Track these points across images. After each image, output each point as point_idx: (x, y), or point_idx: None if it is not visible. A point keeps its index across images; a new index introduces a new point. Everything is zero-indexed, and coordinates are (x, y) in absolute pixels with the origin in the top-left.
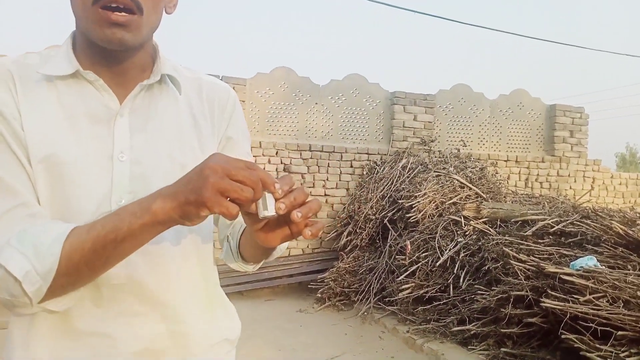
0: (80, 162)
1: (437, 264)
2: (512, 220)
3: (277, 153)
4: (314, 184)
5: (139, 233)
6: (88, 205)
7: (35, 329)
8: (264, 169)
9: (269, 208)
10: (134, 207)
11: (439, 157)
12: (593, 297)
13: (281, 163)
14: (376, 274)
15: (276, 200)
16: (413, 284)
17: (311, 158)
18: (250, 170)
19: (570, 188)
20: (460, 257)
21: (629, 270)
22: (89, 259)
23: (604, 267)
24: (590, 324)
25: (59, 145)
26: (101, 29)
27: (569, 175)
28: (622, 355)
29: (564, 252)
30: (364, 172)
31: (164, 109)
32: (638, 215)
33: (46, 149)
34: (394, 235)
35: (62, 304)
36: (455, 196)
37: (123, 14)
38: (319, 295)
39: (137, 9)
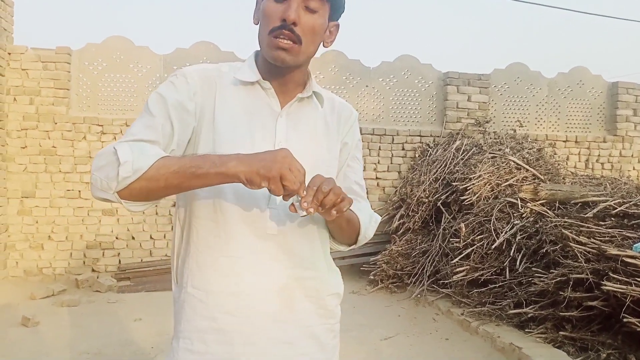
0: (252, 143)
1: (493, 246)
2: (572, 202)
3: None
4: (365, 167)
5: (211, 177)
6: None
7: (210, 273)
8: None
9: (303, 210)
10: (216, 158)
11: (494, 139)
12: None
13: None
14: (430, 257)
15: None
16: (468, 267)
17: (362, 141)
18: (301, 172)
19: (634, 169)
20: (516, 240)
21: None
22: (168, 176)
23: None
24: None
25: (238, 130)
26: (271, 50)
27: (632, 156)
28: None
29: (627, 234)
30: (416, 155)
31: (308, 116)
32: None
33: (229, 133)
34: (447, 218)
35: (134, 207)
36: (512, 178)
37: (287, 41)
38: (372, 277)
39: (297, 40)
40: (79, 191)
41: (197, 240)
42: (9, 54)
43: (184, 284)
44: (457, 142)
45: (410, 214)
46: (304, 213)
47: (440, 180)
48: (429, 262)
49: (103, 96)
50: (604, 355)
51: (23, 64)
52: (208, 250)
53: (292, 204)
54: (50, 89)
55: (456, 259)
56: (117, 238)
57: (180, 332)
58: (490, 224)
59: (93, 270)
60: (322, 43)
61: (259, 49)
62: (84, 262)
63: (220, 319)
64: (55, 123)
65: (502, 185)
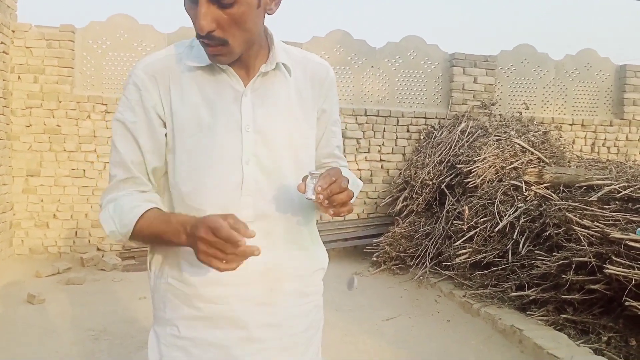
0: (218, 132)
1: (496, 229)
2: (576, 185)
3: None
4: (369, 149)
5: (172, 243)
6: (223, 163)
7: (184, 265)
8: None
9: (314, 194)
10: (177, 228)
11: (500, 121)
12: None
13: None
14: (432, 239)
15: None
16: (470, 249)
17: (367, 123)
18: (226, 234)
19: None
20: (520, 223)
21: None
22: (146, 238)
23: None
24: None
25: (201, 121)
26: (207, 54)
27: (638, 140)
28: None
29: (631, 218)
30: (421, 137)
31: (278, 89)
32: None
33: (192, 128)
34: (451, 200)
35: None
36: (516, 161)
37: (215, 47)
38: (375, 259)
39: (222, 42)
40: (84, 170)
41: None
42: (13, 31)
43: (165, 275)
44: (463, 125)
45: (414, 196)
46: (313, 197)
47: (444, 163)
48: (431, 245)
49: (107, 75)
50: (605, 338)
51: (27, 41)
52: None
53: (304, 182)
54: (55, 67)
55: (459, 242)
56: None
57: (165, 320)
58: (494, 206)
59: (98, 249)
60: (265, 15)
61: None
62: (89, 241)
63: (204, 308)
64: (60, 102)
65: (507, 168)
